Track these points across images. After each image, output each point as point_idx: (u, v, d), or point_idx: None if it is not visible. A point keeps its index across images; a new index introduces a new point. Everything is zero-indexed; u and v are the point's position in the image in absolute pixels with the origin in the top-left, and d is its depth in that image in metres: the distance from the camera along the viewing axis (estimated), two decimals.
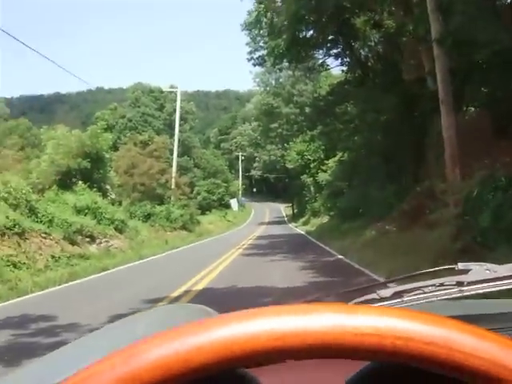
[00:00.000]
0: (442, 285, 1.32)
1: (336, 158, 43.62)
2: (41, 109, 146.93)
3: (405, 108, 24.72)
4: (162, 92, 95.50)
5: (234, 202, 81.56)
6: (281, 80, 69.27)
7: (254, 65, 38.87)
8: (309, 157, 52.66)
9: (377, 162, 31.05)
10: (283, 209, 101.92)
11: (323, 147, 49.76)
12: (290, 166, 57.25)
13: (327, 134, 37.21)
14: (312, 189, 59.82)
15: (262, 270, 16.98)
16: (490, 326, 1.26)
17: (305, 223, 57.61)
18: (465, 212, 12.11)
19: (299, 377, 1.15)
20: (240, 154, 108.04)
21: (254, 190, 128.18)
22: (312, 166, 52.64)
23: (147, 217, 37.45)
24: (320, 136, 41.07)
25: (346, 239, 26.19)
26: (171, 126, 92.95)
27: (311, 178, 56.57)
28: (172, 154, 52.90)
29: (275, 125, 72.32)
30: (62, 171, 30.01)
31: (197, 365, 0.55)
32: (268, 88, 69.07)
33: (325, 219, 47.64)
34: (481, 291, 1.29)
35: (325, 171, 47.94)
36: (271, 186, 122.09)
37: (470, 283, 1.29)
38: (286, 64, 36.31)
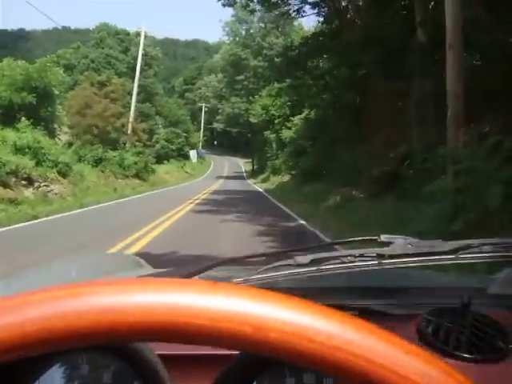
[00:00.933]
0: (361, 255, 1.30)
1: (302, 116, 41.12)
2: (3, 44, 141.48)
3: (384, 64, 22.12)
4: (127, 34, 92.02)
5: (193, 154, 78.62)
6: (251, 31, 66.36)
7: (224, 5, 35.48)
8: (274, 112, 49.95)
9: (346, 122, 28.55)
10: (243, 164, 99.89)
11: (289, 103, 47.24)
12: (253, 120, 54.47)
13: (296, 88, 34.57)
14: (274, 146, 57.35)
15: (211, 233, 14.36)
16: (405, 300, 1.43)
17: (264, 180, 55.14)
18: (466, 186, 9.66)
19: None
20: (203, 105, 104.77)
21: (215, 142, 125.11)
22: (276, 122, 49.98)
23: (98, 161, 34.45)
24: (288, 90, 38.34)
25: (308, 202, 23.75)
26: (135, 70, 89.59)
27: (274, 135, 54.04)
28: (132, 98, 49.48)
29: (241, 77, 69.26)
30: (3, 105, 26.95)
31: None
32: (237, 38, 66.09)
33: (285, 178, 45.37)
34: (400, 265, 1.28)
35: (289, 128, 45.38)
36: (233, 140, 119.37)
37: (390, 256, 1.27)
38: (258, 7, 33.09)
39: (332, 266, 1.27)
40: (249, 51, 65.04)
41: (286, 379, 0.92)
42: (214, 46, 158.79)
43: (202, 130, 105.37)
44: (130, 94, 51.43)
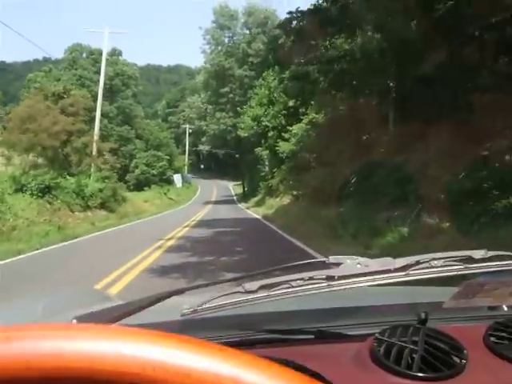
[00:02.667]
0: (311, 278, 1.25)
1: (305, 121, 32.29)
2: None
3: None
4: (101, 54, 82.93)
5: (177, 178, 69.26)
6: (234, 38, 57.71)
7: None
8: (267, 123, 40.94)
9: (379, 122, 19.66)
10: (232, 187, 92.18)
11: (285, 112, 38.55)
12: (243, 133, 45.27)
13: (300, 81, 25.51)
14: (267, 163, 48.38)
15: None
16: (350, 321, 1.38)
17: (258, 204, 45.93)
18: None
19: None
20: (187, 126, 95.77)
21: (202, 166, 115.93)
22: (270, 134, 40.97)
23: (44, 191, 25.13)
24: (290, 82, 29.18)
25: (346, 238, 14.31)
26: (112, 91, 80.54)
27: (267, 151, 45.06)
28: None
29: (226, 89, 60.11)
30: None
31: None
32: (220, 47, 57.34)
33: (285, 200, 36.33)
34: (350, 286, 1.24)
35: (287, 140, 36.46)
36: (220, 162, 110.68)
37: (340, 277, 1.23)
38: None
39: (281, 291, 1.24)
40: (233, 60, 56.39)
41: None
42: (196, 70, 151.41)
43: (186, 154, 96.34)
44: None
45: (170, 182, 67.11)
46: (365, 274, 1.23)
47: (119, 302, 1.69)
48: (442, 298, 1.38)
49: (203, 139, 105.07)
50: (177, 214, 39.71)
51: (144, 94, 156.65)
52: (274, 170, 41.65)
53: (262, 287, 1.23)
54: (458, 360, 1.06)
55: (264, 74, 42.51)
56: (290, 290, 1.24)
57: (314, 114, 29.49)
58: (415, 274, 1.23)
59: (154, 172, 63.96)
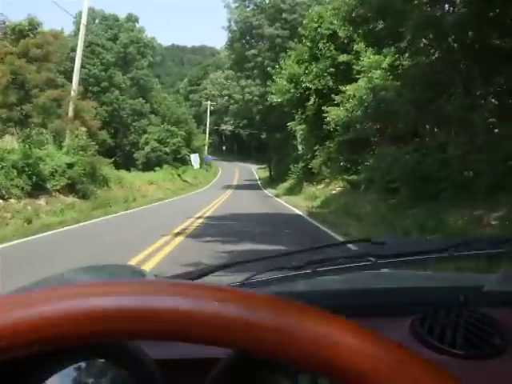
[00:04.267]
0: (355, 257, 1.30)
1: (365, 80, 21.78)
2: None
3: None
4: (117, 20, 71.94)
5: (194, 158, 57.88)
6: None
7: None
8: (307, 84, 29.54)
9: None
10: (256, 171, 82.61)
11: (333, 70, 27.65)
12: (275, 99, 33.72)
13: None
14: (301, 141, 37.41)
15: None
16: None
17: (292, 191, 34.95)
18: None
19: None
20: (209, 103, 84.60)
21: (224, 148, 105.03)
22: (311, 101, 29.77)
23: None
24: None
25: None
26: (126, 60, 69.65)
27: (303, 126, 33.94)
28: None
29: (253, 51, 48.59)
30: None
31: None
32: (247, 1, 46.21)
33: (334, 188, 25.48)
34: (391, 265, 1.32)
35: (337, 105, 25.51)
36: (243, 144, 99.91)
37: (383, 256, 1.27)
38: None
39: (326, 268, 1.26)
40: (262, 16, 45.24)
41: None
42: (221, 51, 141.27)
43: (207, 133, 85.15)
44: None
45: (185, 162, 55.92)
46: (407, 254, 1.26)
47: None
48: (482, 283, 1.32)
49: (226, 118, 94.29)
50: (187, 202, 29.17)
51: (167, 75, 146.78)
52: (316, 148, 30.48)
53: (309, 263, 1.23)
54: (499, 341, 1.02)
55: (305, 22, 31.15)
56: (335, 267, 1.27)
57: (393, 57, 18.16)
58: (456, 255, 1.26)
59: (167, 150, 52.80)
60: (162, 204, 27.86)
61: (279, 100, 32.27)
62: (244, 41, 48.15)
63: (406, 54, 17.22)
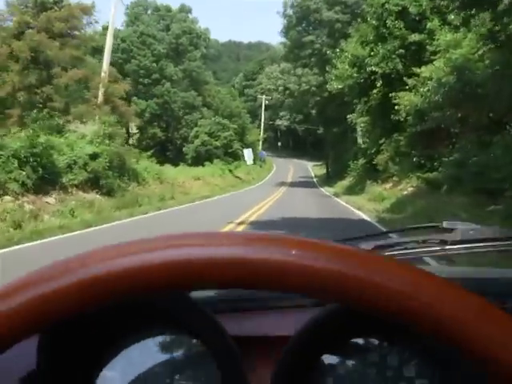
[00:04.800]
0: (424, 242, 1.27)
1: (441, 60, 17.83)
2: None
3: None
4: (169, 10, 68.83)
5: (248, 154, 54.02)
6: None
7: None
8: (373, 68, 25.38)
9: None
10: (311, 168, 78.12)
11: (401, 51, 23.76)
12: (335, 86, 29.23)
13: None
14: (361, 135, 33.48)
15: None
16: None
17: (352, 190, 30.86)
18: None
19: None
20: (264, 97, 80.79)
21: (279, 144, 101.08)
22: (378, 86, 25.66)
23: None
24: None
25: None
26: (178, 52, 66.46)
27: (365, 118, 29.95)
28: None
29: (311, 38, 44.47)
30: None
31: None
32: None
33: (405, 188, 21.52)
34: (463, 251, 1.25)
35: (410, 90, 21.52)
36: (299, 140, 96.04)
37: (453, 242, 1.23)
38: None
39: (396, 253, 1.23)
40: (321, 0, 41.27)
41: (353, 355, 0.87)
42: (277, 48, 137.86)
43: (262, 128, 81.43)
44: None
45: (237, 157, 52.11)
46: (477, 241, 1.21)
47: None
48: None
49: (281, 113, 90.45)
50: (231, 202, 25.70)
51: (223, 70, 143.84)
52: (381, 142, 26.44)
53: (378, 247, 1.22)
54: None
55: None
56: (404, 251, 1.22)
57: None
58: None
59: (218, 143, 49.09)
60: (203, 203, 24.23)
61: (339, 87, 28.02)
62: (300, 27, 44.12)
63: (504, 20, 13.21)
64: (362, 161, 34.32)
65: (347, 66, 26.98)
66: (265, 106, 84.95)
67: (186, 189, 28.91)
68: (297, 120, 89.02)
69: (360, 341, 0.86)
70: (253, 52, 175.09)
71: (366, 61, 25.62)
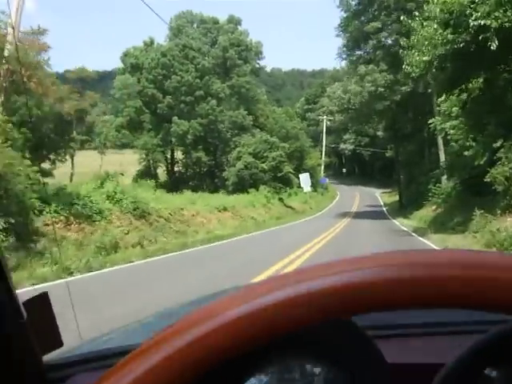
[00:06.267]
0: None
1: None
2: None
3: None
4: (216, 23, 59.49)
5: (305, 179, 43.09)
6: None
7: None
8: (482, 21, 14.60)
9: None
10: (379, 195, 68.12)
11: None
12: (415, 70, 18.41)
13: None
14: (443, 149, 23.22)
15: None
16: None
17: (442, 225, 19.91)
18: None
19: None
20: (325, 117, 70.67)
21: (344, 170, 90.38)
22: (491, 50, 14.83)
23: None
24: None
25: None
26: (226, 67, 56.99)
27: (459, 119, 19.43)
28: None
29: (376, 24, 33.37)
30: None
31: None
32: None
33: None
34: None
35: None
36: (365, 165, 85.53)
37: None
38: None
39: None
40: None
41: None
42: (340, 72, 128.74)
43: (323, 151, 71.06)
44: None
45: (287, 182, 41.42)
46: None
47: None
48: None
49: (345, 136, 79.92)
50: (256, 245, 16.57)
51: (287, 98, 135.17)
52: (499, 145, 15.56)
53: None
54: None
55: None
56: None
57: None
58: None
59: (264, 166, 38.69)
60: (200, 250, 14.13)
61: (424, 61, 17.09)
62: (363, 17, 33.62)
63: None
64: (451, 182, 23.84)
65: (435, 26, 16.22)
66: (328, 129, 74.97)
67: (194, 225, 18.80)
68: (362, 144, 78.66)
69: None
70: (316, 79, 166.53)
71: (467, 12, 14.88)
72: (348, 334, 0.71)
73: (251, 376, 0.74)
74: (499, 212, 14.47)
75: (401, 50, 19.55)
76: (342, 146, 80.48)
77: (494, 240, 12.55)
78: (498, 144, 15.30)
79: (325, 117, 70.96)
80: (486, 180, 15.07)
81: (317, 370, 0.76)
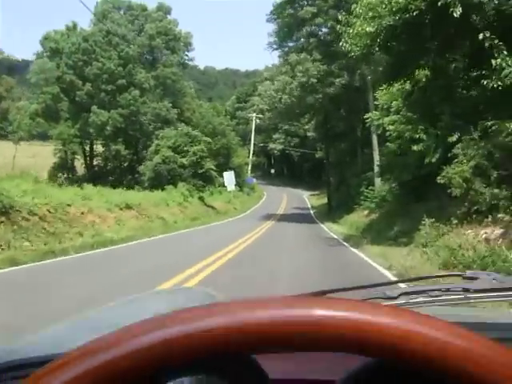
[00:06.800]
0: (448, 290, 1.24)
1: None
2: None
3: None
4: (144, 10, 55.34)
5: (229, 178, 39.42)
6: None
7: None
8: None
9: None
10: (307, 197, 64.52)
11: None
12: (354, 47, 15.36)
13: None
14: (378, 150, 20.86)
15: None
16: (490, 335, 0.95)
17: (377, 233, 16.78)
18: None
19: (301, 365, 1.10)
20: (254, 115, 67.62)
21: (273, 171, 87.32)
22: (454, 17, 11.78)
23: None
24: None
25: None
26: (153, 54, 53.09)
27: (397, 115, 16.51)
28: None
29: (311, 9, 30.23)
30: None
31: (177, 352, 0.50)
32: None
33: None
34: (486, 300, 1.26)
35: None
36: (294, 166, 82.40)
37: (476, 291, 1.22)
38: None
39: (419, 300, 1.23)
40: None
41: None
42: (274, 74, 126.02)
43: (251, 150, 68.09)
44: None
45: (209, 180, 37.56)
46: (500, 290, 1.20)
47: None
48: None
49: (275, 136, 76.92)
50: (147, 255, 12.30)
51: (220, 97, 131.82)
52: (454, 140, 12.40)
53: (402, 294, 1.20)
54: None
55: None
56: (427, 299, 1.21)
57: None
58: None
59: (184, 161, 34.81)
60: (67, 264, 10.43)
61: (368, 33, 13.73)
62: (297, 4, 30.39)
63: None
64: (386, 185, 21.05)
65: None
66: (258, 128, 72.04)
67: (81, 226, 15.05)
68: (292, 144, 75.84)
69: None
70: (250, 80, 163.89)
71: None
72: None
73: None
74: (455, 222, 11.30)
75: (338, 26, 16.02)
76: (272, 145, 77.45)
77: (454, 260, 9.36)
78: (454, 138, 12.15)
79: (254, 114, 67.74)
80: (439, 181, 11.87)
81: None
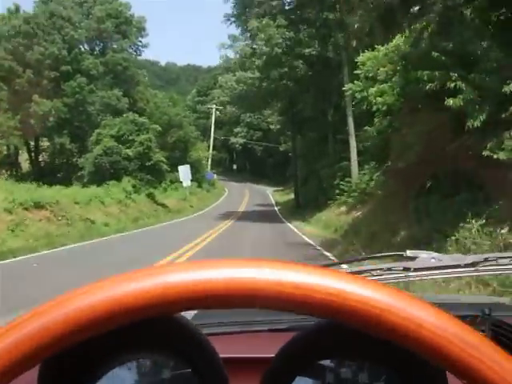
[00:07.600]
0: (389, 269, 1.28)
1: None
2: None
3: None
4: None
5: (184, 172, 33.99)
6: None
7: None
8: None
9: None
10: (271, 193, 60.14)
11: None
12: None
13: None
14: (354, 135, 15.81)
15: None
16: None
17: (354, 235, 11.88)
18: None
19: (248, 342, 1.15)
20: (214, 107, 62.72)
21: (235, 166, 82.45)
22: None
23: None
24: None
25: None
26: (102, 38, 47.53)
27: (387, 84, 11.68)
28: None
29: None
30: None
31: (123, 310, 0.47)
32: None
33: None
34: (425, 278, 1.32)
35: None
36: (257, 161, 77.69)
37: (416, 269, 1.26)
38: None
39: None
40: None
41: (325, 376, 0.84)
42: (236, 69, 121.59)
43: (211, 143, 63.03)
44: None
45: (160, 174, 32.27)
46: (438, 268, 1.25)
47: None
48: (506, 301, 1.25)
49: (237, 129, 72.13)
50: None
51: (181, 94, 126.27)
52: None
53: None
54: None
55: None
56: (369, 278, 1.18)
57: None
58: (483, 271, 1.26)
59: (130, 153, 29.55)
60: None
61: None
62: None
63: None
64: (366, 176, 16.44)
65: None
66: (219, 122, 67.25)
67: None
68: (254, 138, 71.14)
69: (330, 362, 0.81)
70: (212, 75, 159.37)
71: None
72: (177, 329, 0.70)
73: (110, 369, 0.75)
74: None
75: None
76: (233, 139, 72.62)
77: None
78: None
79: (214, 106, 62.82)
80: (491, 155, 7.02)
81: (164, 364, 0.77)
